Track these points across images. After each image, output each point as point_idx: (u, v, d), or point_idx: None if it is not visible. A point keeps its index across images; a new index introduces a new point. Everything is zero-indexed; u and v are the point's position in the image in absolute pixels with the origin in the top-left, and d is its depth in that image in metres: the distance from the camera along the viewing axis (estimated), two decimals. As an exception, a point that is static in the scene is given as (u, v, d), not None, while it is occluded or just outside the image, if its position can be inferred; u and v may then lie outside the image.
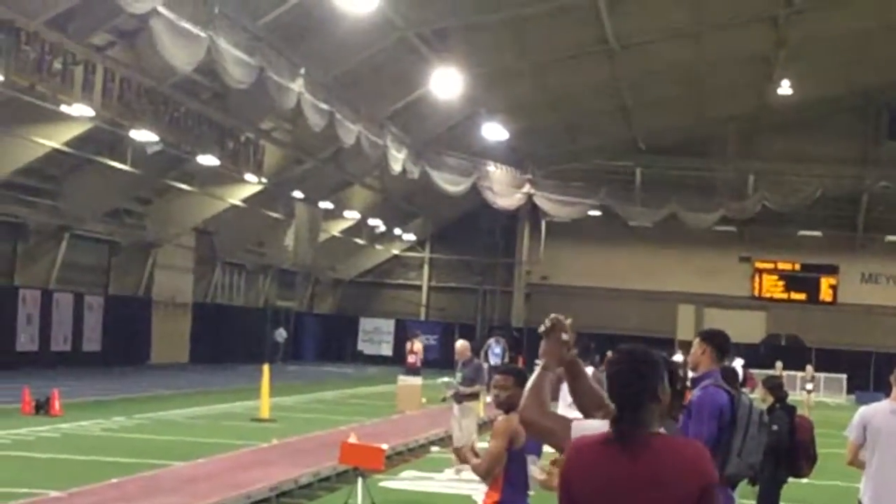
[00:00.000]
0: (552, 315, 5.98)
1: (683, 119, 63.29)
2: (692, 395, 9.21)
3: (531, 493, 9.02)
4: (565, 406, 19.25)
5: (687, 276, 69.70)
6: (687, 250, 70.06)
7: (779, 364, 42.51)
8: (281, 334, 69.40)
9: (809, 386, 45.34)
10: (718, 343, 9.60)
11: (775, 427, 13.95)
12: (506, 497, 8.97)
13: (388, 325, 74.89)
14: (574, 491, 5.00)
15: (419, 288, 77.78)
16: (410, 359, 39.09)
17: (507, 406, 9.14)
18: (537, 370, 5.77)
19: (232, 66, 34.86)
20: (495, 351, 41.93)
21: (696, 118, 63.28)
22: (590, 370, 8.72)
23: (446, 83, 44.07)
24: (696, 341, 9.77)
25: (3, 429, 24.13)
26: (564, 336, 5.82)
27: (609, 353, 6.24)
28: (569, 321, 5.98)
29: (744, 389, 14.88)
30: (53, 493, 15.52)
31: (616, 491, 4.94)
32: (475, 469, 9.48)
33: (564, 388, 6.75)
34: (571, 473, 5.03)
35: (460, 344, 22.03)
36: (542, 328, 5.91)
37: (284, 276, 69.77)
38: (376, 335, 74.81)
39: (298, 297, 73.66)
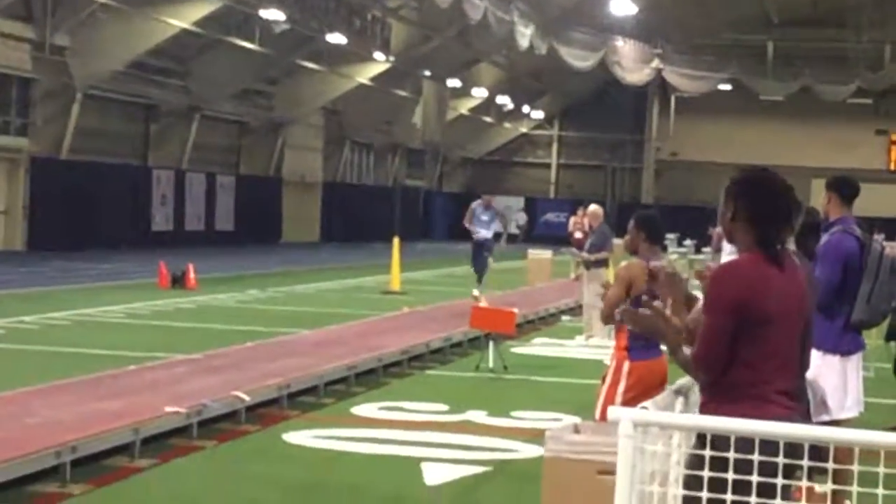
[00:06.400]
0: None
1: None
2: (822, 241, 9.24)
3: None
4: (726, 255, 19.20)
5: (820, 149, 68.47)
6: (820, 124, 68.82)
7: None
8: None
9: None
10: (839, 187, 9.57)
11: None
12: (631, 343, 9.10)
13: (518, 203, 74.92)
14: (750, 311, 5.04)
15: (548, 166, 77.59)
16: (578, 235, 35.73)
17: (631, 250, 9.43)
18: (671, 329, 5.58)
19: (357, -59, 34.80)
20: (481, 218, 28.77)
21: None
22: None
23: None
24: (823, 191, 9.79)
25: (142, 301, 24.73)
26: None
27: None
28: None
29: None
30: (192, 356, 15.93)
31: (781, 303, 5.08)
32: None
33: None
34: (744, 296, 5.06)
35: (594, 208, 21.87)
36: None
37: (413, 155, 70.04)
38: (506, 213, 74.68)
39: (427, 176, 73.93)
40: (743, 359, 5.05)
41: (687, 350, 5.20)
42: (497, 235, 28.54)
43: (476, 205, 28.51)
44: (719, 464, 4.54)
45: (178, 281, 28.52)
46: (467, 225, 27.92)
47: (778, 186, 5.28)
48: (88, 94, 42.57)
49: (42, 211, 41.22)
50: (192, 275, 28.72)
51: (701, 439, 4.74)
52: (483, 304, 18.36)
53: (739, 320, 5.02)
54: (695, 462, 4.69)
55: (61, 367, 15.03)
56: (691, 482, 4.67)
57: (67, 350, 17.32)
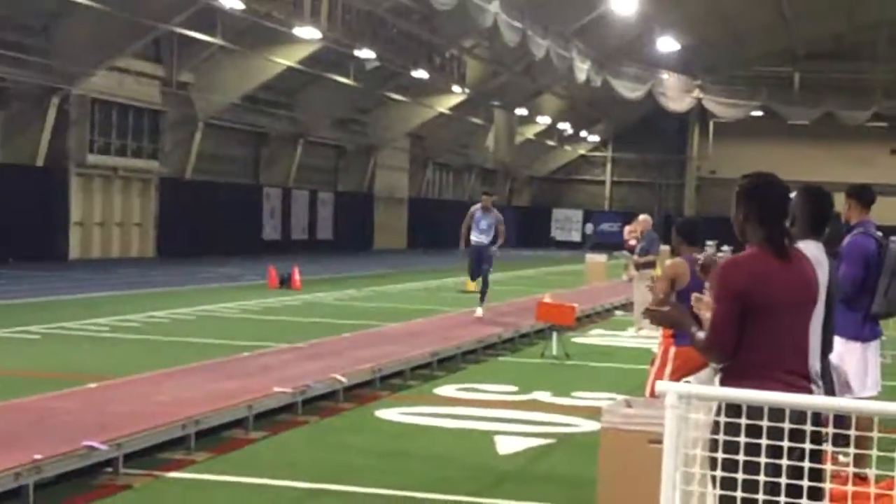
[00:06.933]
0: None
1: (837, 26, 61.07)
2: (844, 242, 9.14)
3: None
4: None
5: (841, 167, 67.37)
6: (841, 144, 68.11)
7: None
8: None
9: None
10: (858, 195, 9.49)
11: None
12: (678, 333, 9.01)
13: (577, 215, 74.95)
14: (753, 299, 4.96)
15: (603, 183, 77.39)
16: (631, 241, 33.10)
17: (676, 252, 9.42)
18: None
19: (437, -10, 34.87)
20: (481, 226, 22.98)
21: (850, 24, 60.91)
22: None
23: (625, 1, 43.34)
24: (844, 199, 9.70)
25: (254, 299, 24.90)
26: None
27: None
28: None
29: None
30: (297, 345, 15.99)
31: (785, 291, 5.00)
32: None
33: None
34: (747, 286, 4.98)
35: (644, 217, 21.94)
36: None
37: (486, 174, 70.02)
38: (566, 224, 75.00)
39: (499, 192, 73.78)
40: (750, 342, 4.97)
41: (701, 335, 5.15)
42: (493, 242, 22.94)
43: (476, 209, 22.62)
44: (734, 429, 4.55)
45: (285, 282, 28.66)
46: (464, 231, 22.67)
47: (782, 189, 5.22)
48: (209, 123, 42.97)
49: (170, 223, 41.63)
50: (297, 277, 28.86)
51: (733, 409, 4.69)
52: (548, 299, 18.30)
53: (743, 307, 4.95)
54: (714, 428, 4.72)
55: (187, 353, 15.15)
56: (713, 446, 4.70)
57: (192, 340, 17.47)
